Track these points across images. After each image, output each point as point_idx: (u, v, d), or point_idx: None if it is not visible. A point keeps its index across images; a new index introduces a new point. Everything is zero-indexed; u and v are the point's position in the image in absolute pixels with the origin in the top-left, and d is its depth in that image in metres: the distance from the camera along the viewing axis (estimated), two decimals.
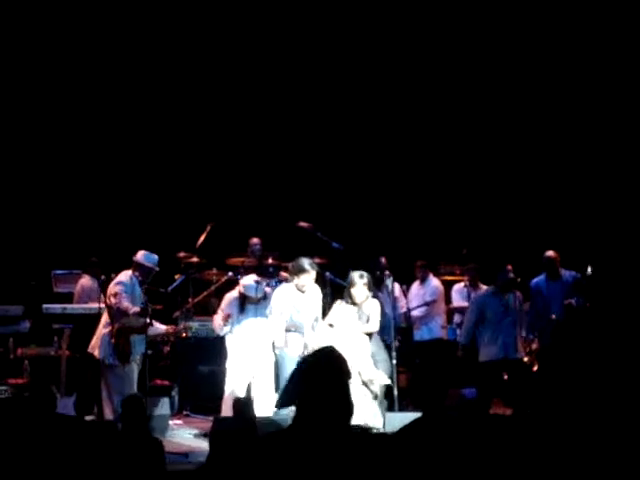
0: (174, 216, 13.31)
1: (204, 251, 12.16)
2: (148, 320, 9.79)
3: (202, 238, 12.13)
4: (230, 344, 10.37)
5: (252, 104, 13.72)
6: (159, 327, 10.29)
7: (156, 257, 9.98)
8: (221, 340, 11.53)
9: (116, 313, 9.77)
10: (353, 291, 9.58)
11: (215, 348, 11.44)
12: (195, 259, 12.14)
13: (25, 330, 11.40)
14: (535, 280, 11.42)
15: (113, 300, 9.73)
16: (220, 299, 12.35)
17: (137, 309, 9.66)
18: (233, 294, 10.50)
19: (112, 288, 9.87)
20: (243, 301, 10.27)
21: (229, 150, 13.73)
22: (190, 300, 12.00)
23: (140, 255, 9.94)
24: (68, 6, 12.92)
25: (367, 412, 9.26)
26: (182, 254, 12.20)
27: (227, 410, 9.67)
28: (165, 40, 13.38)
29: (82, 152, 13.41)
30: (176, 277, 12.14)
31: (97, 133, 13.48)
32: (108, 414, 9.64)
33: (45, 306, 11.22)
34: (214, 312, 12.20)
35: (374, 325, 9.68)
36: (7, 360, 11.09)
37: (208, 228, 12.16)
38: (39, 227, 13.03)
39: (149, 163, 13.61)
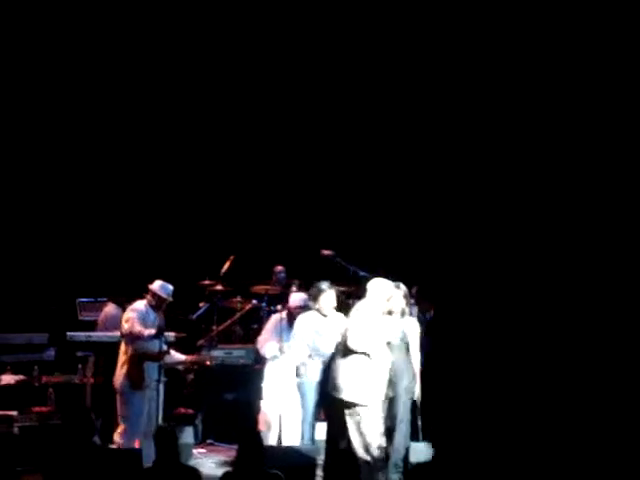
0: (199, 244, 13.33)
1: (228, 279, 12.17)
2: (165, 347, 9.89)
3: (226, 266, 12.14)
4: (272, 368, 10.38)
5: (274, 132, 13.74)
6: (178, 356, 10.34)
7: (171, 288, 10.08)
8: (245, 368, 11.55)
9: (129, 339, 9.87)
10: (390, 303, 9.38)
11: (240, 376, 11.44)
12: (219, 287, 12.15)
13: (50, 358, 11.45)
14: None
15: (126, 326, 9.85)
16: (244, 327, 12.38)
17: (152, 331, 9.77)
18: (277, 317, 10.54)
19: (125, 315, 10.03)
20: (291, 320, 10.29)
21: (254, 178, 13.75)
22: (214, 328, 12.00)
23: (156, 285, 10.04)
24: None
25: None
26: (207, 282, 12.22)
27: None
28: (188, 65, 13.44)
29: (108, 179, 13.47)
30: (200, 305, 12.16)
31: (122, 160, 13.54)
32: (116, 439, 9.78)
33: (69, 334, 11.27)
34: (238, 340, 12.24)
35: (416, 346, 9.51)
36: (32, 388, 11.11)
37: (231, 258, 12.19)
38: (65, 255, 13.07)
39: (174, 192, 13.65)
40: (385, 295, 9.21)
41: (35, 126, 13.20)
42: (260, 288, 12.11)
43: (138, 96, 13.44)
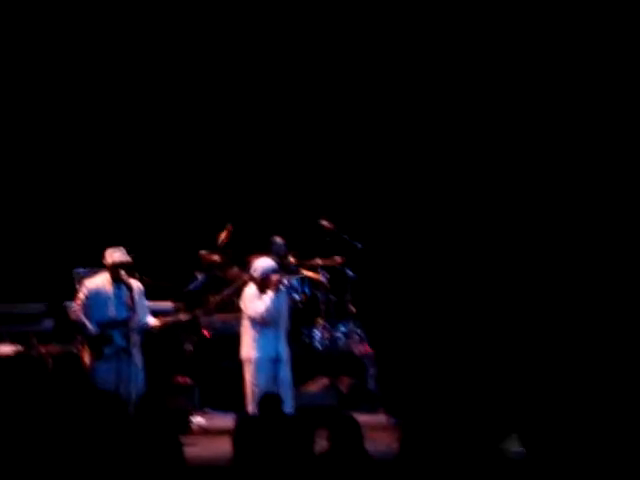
0: (196, 214, 13.32)
1: (226, 250, 12.19)
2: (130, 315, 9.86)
3: (223, 236, 12.16)
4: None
5: (270, 99, 13.64)
6: (150, 321, 10.26)
7: (118, 251, 10.13)
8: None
9: None
10: None
11: (237, 345, 11.48)
12: (216, 257, 12.17)
13: (48, 328, 11.47)
14: None
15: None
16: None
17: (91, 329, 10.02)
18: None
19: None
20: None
21: (251, 148, 13.70)
22: (211, 298, 12.02)
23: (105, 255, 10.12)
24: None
25: None
26: (203, 252, 12.23)
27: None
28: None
29: (104, 149, 13.44)
30: (197, 275, 12.18)
31: (117, 129, 13.49)
32: None
33: (67, 304, 11.29)
34: (235, 310, 12.27)
35: None
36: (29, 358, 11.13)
37: (229, 228, 12.19)
38: (62, 225, 13.08)
39: (171, 161, 13.62)
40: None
41: (35, 102, 13.18)
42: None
43: (130, 70, 13.38)
